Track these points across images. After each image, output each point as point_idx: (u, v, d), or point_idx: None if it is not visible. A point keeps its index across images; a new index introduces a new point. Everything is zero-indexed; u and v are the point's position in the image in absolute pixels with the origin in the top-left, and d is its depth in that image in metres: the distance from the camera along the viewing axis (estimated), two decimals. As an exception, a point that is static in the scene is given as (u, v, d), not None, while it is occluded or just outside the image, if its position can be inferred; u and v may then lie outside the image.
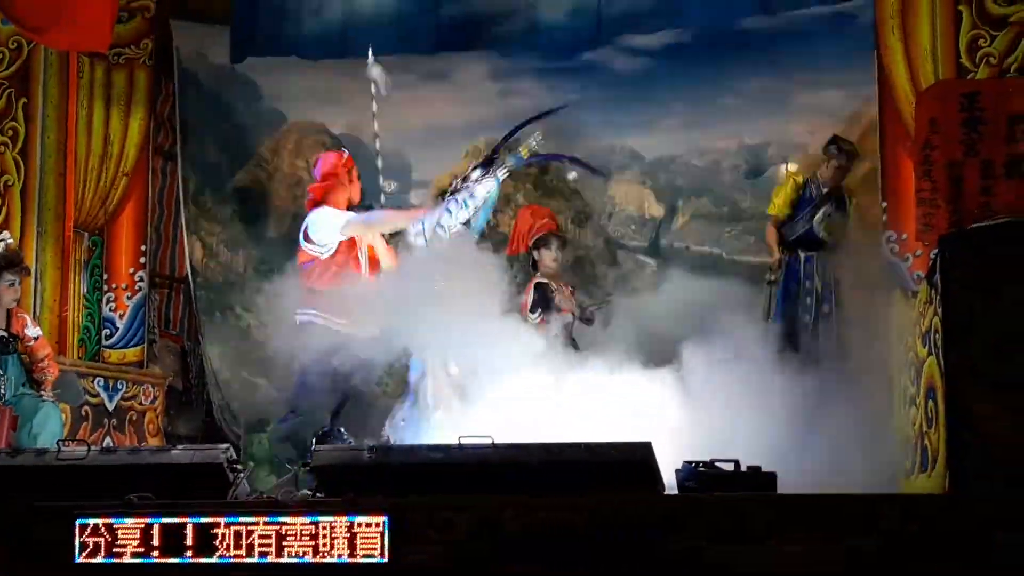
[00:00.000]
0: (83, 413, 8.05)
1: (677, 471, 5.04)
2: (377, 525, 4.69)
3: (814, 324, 7.68)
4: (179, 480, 5.12)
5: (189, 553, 4.79)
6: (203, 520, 4.80)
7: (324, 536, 4.72)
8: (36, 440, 6.92)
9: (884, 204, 7.72)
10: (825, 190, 7.97)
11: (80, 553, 4.85)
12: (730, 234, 9.09)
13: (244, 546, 4.77)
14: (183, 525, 4.80)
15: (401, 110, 9.29)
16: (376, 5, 9.29)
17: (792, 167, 8.56)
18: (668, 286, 9.13)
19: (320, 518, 4.73)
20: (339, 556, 4.71)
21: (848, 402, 6.41)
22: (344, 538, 4.71)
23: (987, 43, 7.17)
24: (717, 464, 5.02)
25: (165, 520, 4.81)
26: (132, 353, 8.84)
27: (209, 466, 5.18)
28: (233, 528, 4.77)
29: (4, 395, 7.15)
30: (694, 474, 5.00)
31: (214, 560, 4.78)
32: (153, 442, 8.45)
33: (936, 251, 5.25)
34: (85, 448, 5.36)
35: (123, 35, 8.76)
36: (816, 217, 7.95)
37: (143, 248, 8.99)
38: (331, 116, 9.96)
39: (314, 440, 6.41)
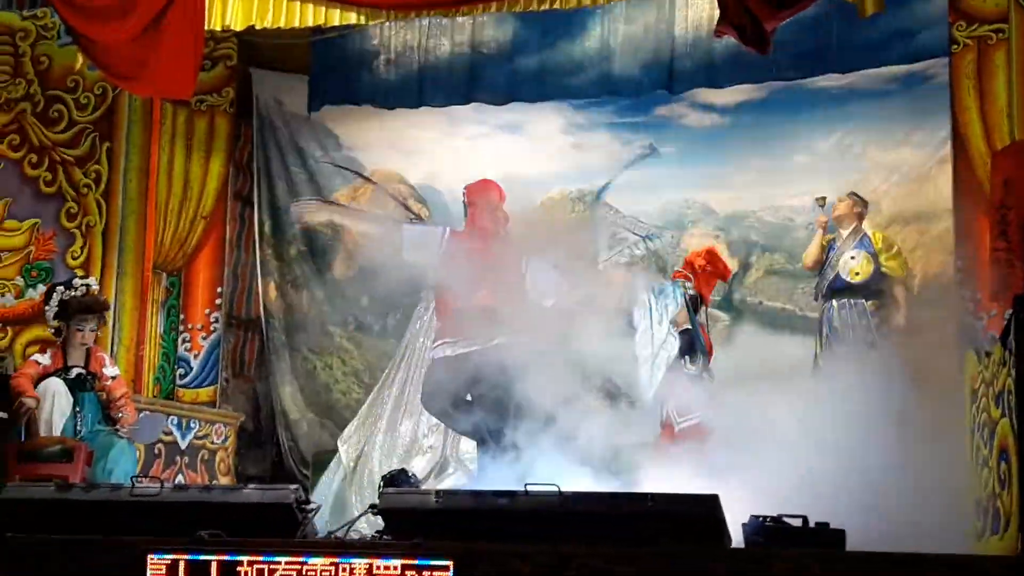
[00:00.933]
0: (156, 451, 8.17)
1: (744, 525, 5.00)
2: (445, 569, 4.71)
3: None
4: (249, 519, 5.17)
5: (257, 591, 4.84)
6: (272, 559, 4.84)
7: (390, 579, 4.75)
8: (110, 476, 7.03)
9: (958, 264, 7.66)
10: (845, 233, 8.10)
11: (151, 588, 4.91)
12: (804, 290, 9.07)
13: (310, 586, 4.81)
14: (252, 563, 4.85)
15: (476, 161, 9.39)
16: (451, 55, 9.40)
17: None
18: (742, 339, 9.15)
19: (387, 561, 4.76)
20: (405, 599, 4.73)
21: (921, 462, 6.34)
22: (410, 581, 4.73)
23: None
24: (785, 519, 4.99)
25: (235, 558, 4.86)
26: (205, 393, 8.97)
27: (279, 506, 5.22)
28: (302, 567, 4.81)
29: (81, 431, 7.28)
30: (761, 529, 4.96)
31: (279, 599, 4.82)
32: (224, 481, 8.54)
33: (1011, 311, 5.21)
34: (158, 485, 5.43)
35: (205, 82, 8.93)
36: (840, 262, 8.05)
37: (219, 290, 9.15)
38: (408, 166, 10.08)
39: (382, 483, 6.45)
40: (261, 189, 9.93)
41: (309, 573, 4.81)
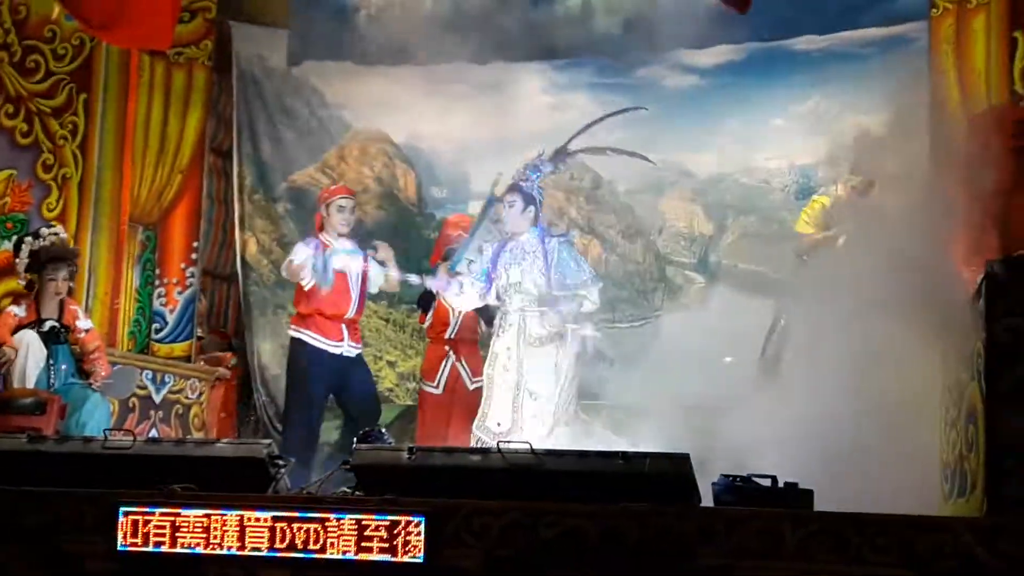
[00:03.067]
0: (130, 405, 8.18)
1: (713, 484, 5.05)
2: (415, 525, 4.73)
3: None
4: (222, 473, 5.19)
5: (228, 545, 4.85)
6: (242, 513, 4.85)
7: (361, 533, 4.76)
8: (84, 429, 7.03)
9: (930, 228, 7.68)
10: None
11: (122, 540, 4.92)
12: (777, 253, 9.10)
13: (282, 541, 4.83)
14: (223, 517, 4.86)
15: (458, 120, 9.38)
16: (432, 12, 9.37)
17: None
18: (717, 302, 9.18)
19: (358, 516, 4.78)
20: (377, 555, 4.76)
21: (891, 424, 6.39)
22: (381, 537, 4.76)
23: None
24: (754, 479, 5.03)
25: (206, 511, 4.87)
26: (180, 348, 8.97)
27: (251, 461, 5.24)
28: (272, 522, 4.82)
29: (54, 384, 7.27)
30: (731, 488, 5.00)
31: (249, 553, 4.83)
32: (198, 436, 8.56)
33: (982, 276, 5.24)
34: (131, 438, 5.44)
35: (183, 35, 8.89)
36: None
37: (195, 244, 9.12)
38: (392, 125, 10.07)
39: (355, 440, 6.48)
40: (243, 143, 9.90)
41: (280, 528, 4.83)
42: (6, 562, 5.04)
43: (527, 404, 7.19)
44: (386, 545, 4.74)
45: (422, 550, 4.72)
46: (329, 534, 4.79)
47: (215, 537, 4.84)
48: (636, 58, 9.36)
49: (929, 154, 7.79)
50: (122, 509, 4.90)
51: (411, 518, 4.75)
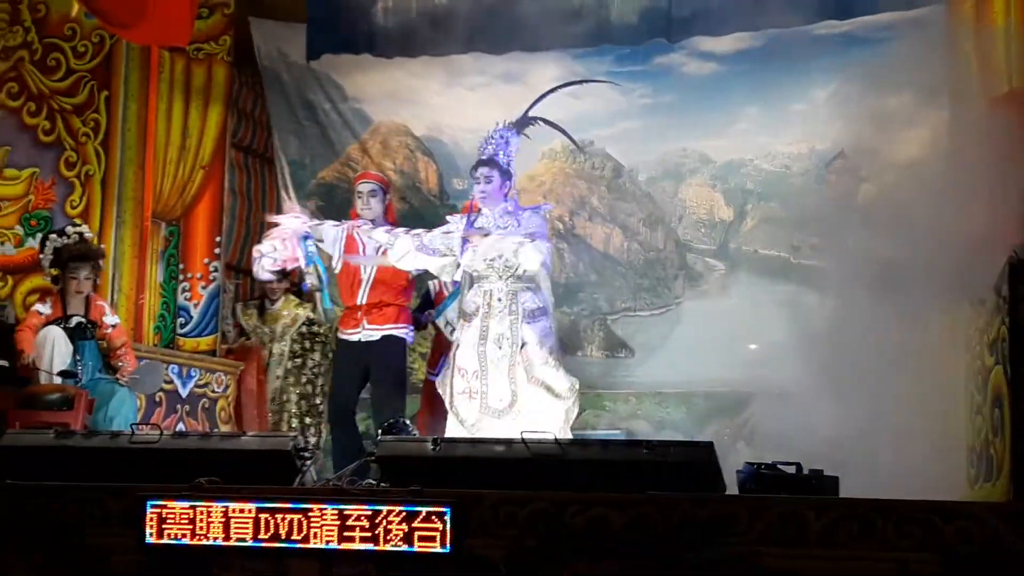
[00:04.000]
0: (156, 399, 8.21)
1: (738, 472, 5.05)
2: (440, 516, 4.75)
3: None
4: (248, 466, 5.21)
5: (255, 537, 4.87)
6: (269, 505, 4.88)
7: (387, 525, 4.78)
8: (111, 424, 7.06)
9: (954, 213, 7.66)
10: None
11: (150, 534, 4.95)
12: (799, 238, 9.09)
13: (308, 532, 4.85)
14: (249, 510, 4.89)
15: (477, 111, 9.39)
16: (449, 3, 9.36)
17: None
18: (737, 288, 9.17)
19: (383, 507, 4.80)
20: (402, 545, 4.77)
21: (917, 409, 6.38)
22: (407, 527, 4.77)
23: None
24: (779, 467, 5.03)
25: (232, 504, 4.89)
26: (205, 342, 9.01)
27: (277, 453, 5.27)
28: (297, 514, 4.85)
29: (81, 379, 7.31)
30: (755, 476, 5.00)
31: (277, 545, 4.86)
32: (224, 429, 8.59)
33: (1006, 261, 5.23)
34: (158, 432, 5.47)
35: (203, 31, 8.93)
36: None
37: (218, 239, 9.16)
38: (412, 118, 10.09)
39: (379, 431, 6.50)
40: (276, 141, 9.97)
41: (309, 520, 4.86)
42: (32, 556, 5.08)
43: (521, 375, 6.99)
44: (412, 536, 4.76)
45: (448, 540, 4.73)
46: (354, 525, 4.82)
47: (241, 529, 4.87)
48: (654, 46, 9.33)
49: (948, 138, 7.79)
50: (150, 503, 4.93)
51: (437, 509, 4.76)
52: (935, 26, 8.20)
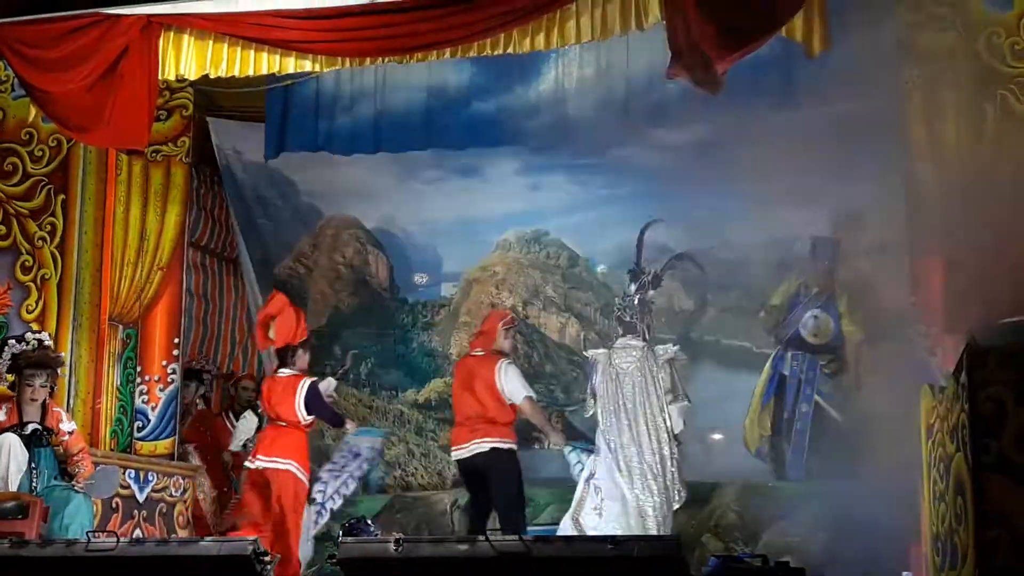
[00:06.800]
0: (113, 505, 8.09)
1: (703, 568, 5.02)
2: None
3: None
4: (207, 571, 5.13)
5: (215, 646, 4.79)
6: (230, 613, 4.80)
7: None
8: (67, 531, 6.94)
9: (912, 299, 7.70)
10: (815, 291, 8.11)
11: (107, 646, 4.85)
12: (759, 327, 9.11)
13: (270, 640, 4.77)
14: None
15: (432, 204, 9.42)
16: (407, 101, 9.42)
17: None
18: (701, 378, 9.17)
19: (346, 612, 4.72)
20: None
21: (877, 498, 6.37)
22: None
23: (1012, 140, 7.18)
24: (746, 559, 5.00)
25: (192, 613, 4.81)
26: (163, 445, 8.89)
27: (237, 558, 5.19)
28: (259, 621, 4.77)
29: (36, 487, 7.20)
30: (723, 569, 4.97)
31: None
32: (182, 534, 8.45)
33: (964, 346, 5.24)
34: (114, 539, 5.38)
35: (161, 132, 8.90)
36: (802, 320, 8.08)
37: (176, 340, 9.08)
38: (365, 211, 10.13)
39: (341, 532, 6.42)
40: (239, 239, 9.98)
41: (268, 626, 4.78)
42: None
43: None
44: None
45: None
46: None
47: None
48: (610, 138, 9.41)
49: (907, 225, 7.86)
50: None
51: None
52: (891, 116, 8.31)
